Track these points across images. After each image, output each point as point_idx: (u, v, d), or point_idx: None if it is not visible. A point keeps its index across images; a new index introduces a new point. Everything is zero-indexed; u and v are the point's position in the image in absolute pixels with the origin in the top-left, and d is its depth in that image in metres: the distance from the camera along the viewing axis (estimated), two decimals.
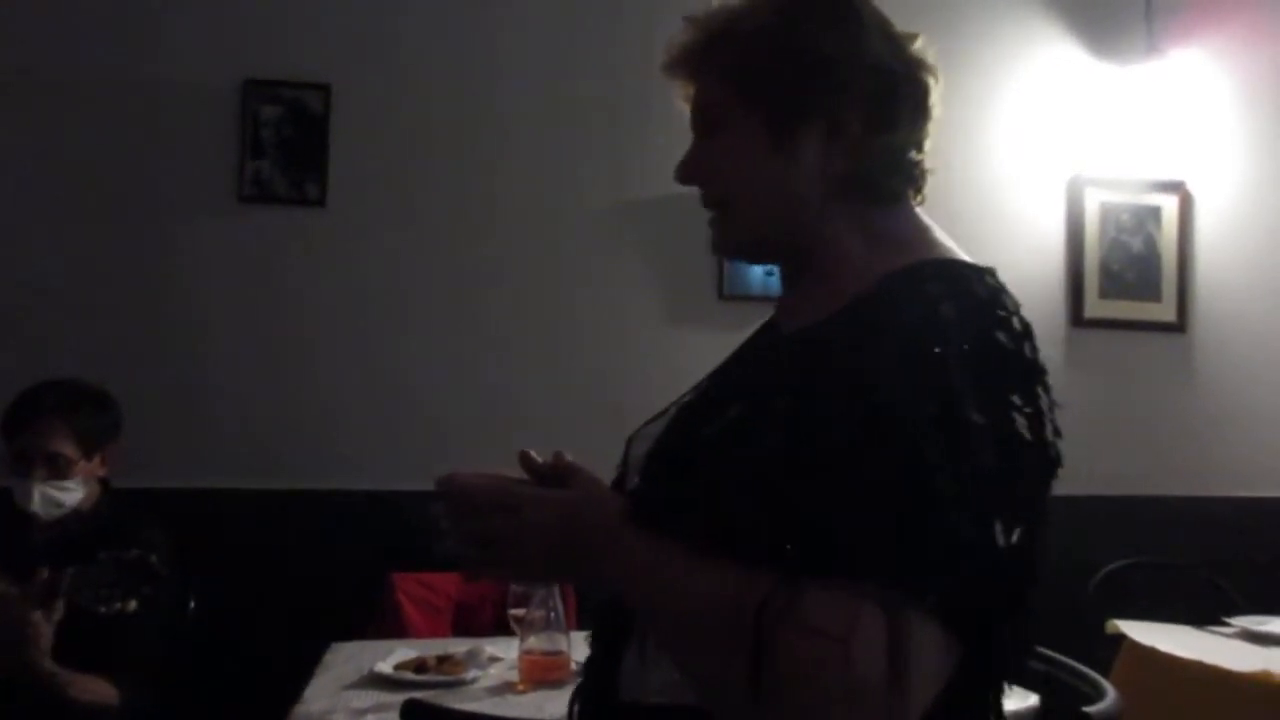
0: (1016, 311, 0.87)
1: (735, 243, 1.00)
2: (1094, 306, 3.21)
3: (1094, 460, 3.10)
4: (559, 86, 2.93)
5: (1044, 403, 0.84)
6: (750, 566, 0.77)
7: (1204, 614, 2.53)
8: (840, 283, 0.92)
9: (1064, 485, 3.12)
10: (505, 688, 1.85)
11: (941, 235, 0.96)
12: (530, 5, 2.93)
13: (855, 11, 0.94)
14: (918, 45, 0.97)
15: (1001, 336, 0.83)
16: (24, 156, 2.69)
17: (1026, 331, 0.86)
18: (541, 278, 2.91)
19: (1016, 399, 0.81)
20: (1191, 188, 3.29)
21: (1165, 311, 3.26)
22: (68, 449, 2.07)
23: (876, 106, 0.92)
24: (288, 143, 2.77)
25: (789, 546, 0.77)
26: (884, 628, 0.72)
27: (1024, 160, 3.21)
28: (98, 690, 1.92)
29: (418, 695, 1.81)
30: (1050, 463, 0.84)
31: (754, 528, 0.79)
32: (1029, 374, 0.84)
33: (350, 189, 2.82)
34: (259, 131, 2.76)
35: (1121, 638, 2.37)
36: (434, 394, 2.83)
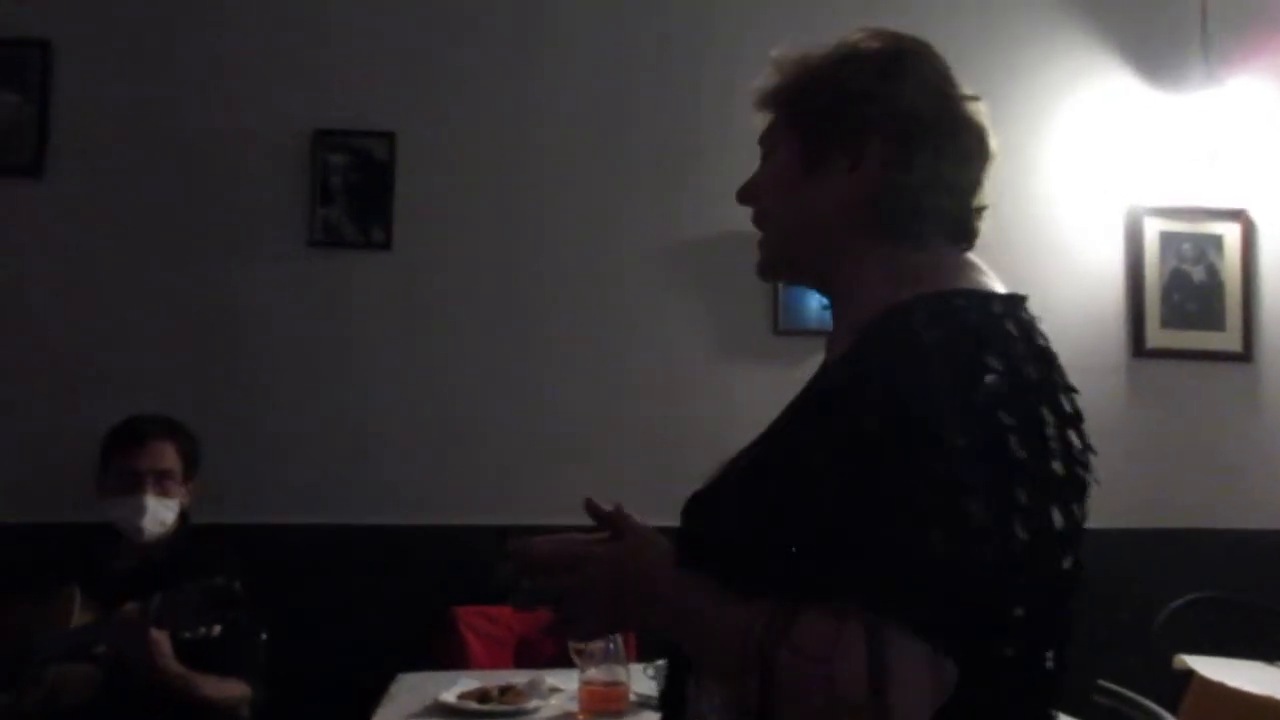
0: (1023, 338, 0.89)
1: (767, 260, 1.06)
2: (1155, 337, 3.17)
3: (1159, 492, 3.05)
4: (613, 130, 3.00)
5: (1049, 421, 0.85)
6: (764, 595, 0.83)
7: (1275, 649, 2.47)
8: (861, 318, 0.95)
9: (1130, 518, 3.07)
10: (566, 718, 1.89)
11: (977, 272, 0.97)
12: (583, 52, 3.01)
13: (901, 60, 1.00)
14: (972, 105, 1.00)
15: (993, 361, 0.84)
16: (107, 204, 2.82)
17: (1036, 355, 0.88)
18: (598, 316, 2.96)
19: (1007, 419, 0.82)
20: (1253, 215, 3.24)
21: (1230, 341, 3.20)
22: (175, 468, 2.23)
23: (899, 146, 0.97)
24: (355, 189, 2.88)
25: (788, 574, 0.82)
26: (864, 646, 0.77)
27: (1081, 190, 3.18)
28: (228, 688, 2.05)
29: None
30: (1056, 477, 0.84)
31: (761, 559, 0.85)
32: (1026, 395, 0.85)
33: (414, 233, 2.90)
34: (328, 179, 2.87)
35: (1190, 673, 2.32)
36: (495, 431, 2.88)
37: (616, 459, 2.79)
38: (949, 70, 1.02)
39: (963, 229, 1.01)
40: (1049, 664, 0.88)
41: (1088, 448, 0.89)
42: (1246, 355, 3.21)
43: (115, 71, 2.86)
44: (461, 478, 2.84)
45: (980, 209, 1.02)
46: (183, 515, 2.29)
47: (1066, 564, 0.87)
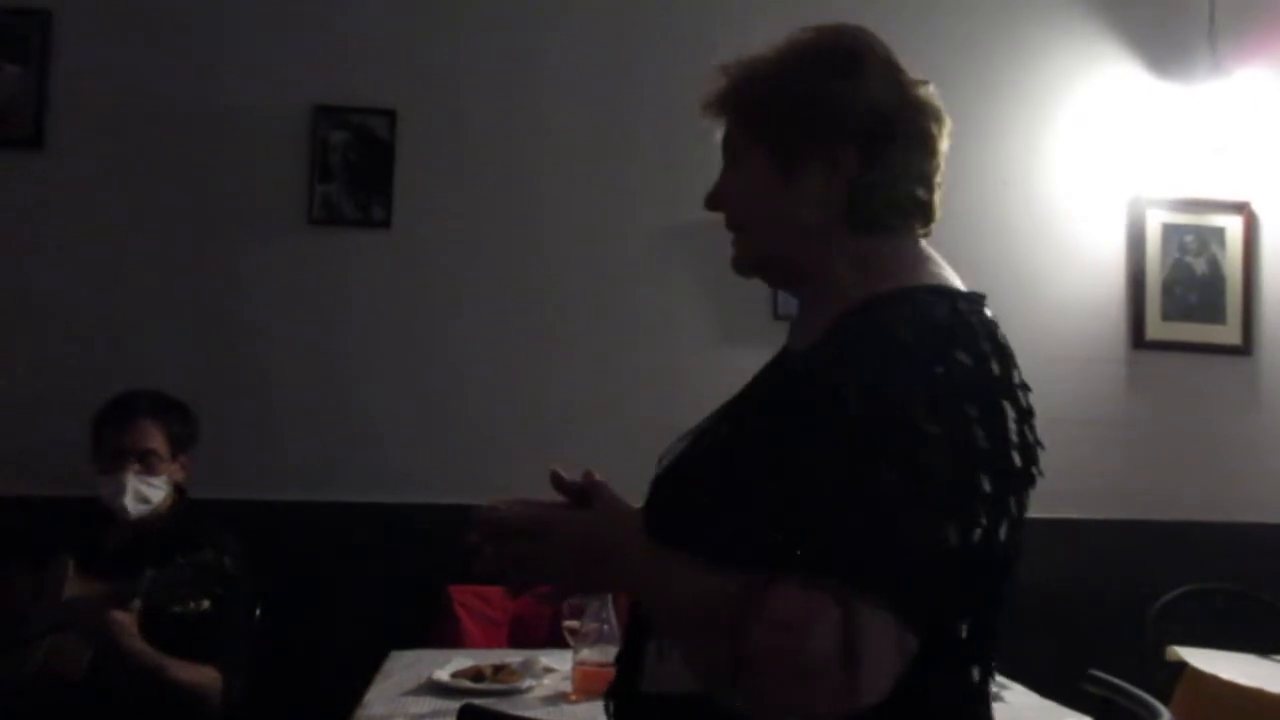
0: (987, 335, 0.93)
1: (748, 262, 1.09)
2: (1155, 328, 3.16)
3: (1156, 484, 3.06)
4: (614, 111, 2.99)
5: (1010, 415, 0.89)
6: (734, 568, 0.86)
7: (1268, 642, 2.48)
8: (831, 308, 1.00)
9: (1126, 509, 3.08)
10: (559, 697, 1.89)
11: (937, 265, 1.02)
12: (585, 32, 3.00)
13: (859, 58, 1.02)
14: (924, 90, 1.03)
15: (961, 355, 0.89)
16: (107, 177, 2.81)
17: (998, 351, 0.92)
18: (597, 298, 2.96)
19: (973, 411, 0.86)
20: (1257, 208, 3.24)
21: (1230, 334, 3.20)
22: (159, 447, 2.19)
23: (871, 144, 0.99)
24: (355, 167, 2.87)
25: (762, 549, 0.86)
26: (836, 618, 0.80)
27: (1084, 180, 3.17)
28: (201, 673, 2.02)
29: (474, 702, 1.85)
30: (1015, 469, 0.89)
31: (735, 534, 0.89)
32: (990, 389, 0.89)
33: (414, 211, 2.90)
34: (328, 156, 2.86)
35: (1182, 665, 2.33)
36: (492, 411, 2.88)
37: (615, 439, 2.77)
38: (895, 57, 1.04)
39: (929, 212, 1.04)
40: (963, 634, 0.91)
41: (1038, 443, 0.93)
42: (1246, 349, 3.21)
43: (116, 43, 2.84)
44: (459, 457, 2.83)
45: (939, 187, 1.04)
46: (179, 491, 2.29)
47: (1012, 550, 0.92)
